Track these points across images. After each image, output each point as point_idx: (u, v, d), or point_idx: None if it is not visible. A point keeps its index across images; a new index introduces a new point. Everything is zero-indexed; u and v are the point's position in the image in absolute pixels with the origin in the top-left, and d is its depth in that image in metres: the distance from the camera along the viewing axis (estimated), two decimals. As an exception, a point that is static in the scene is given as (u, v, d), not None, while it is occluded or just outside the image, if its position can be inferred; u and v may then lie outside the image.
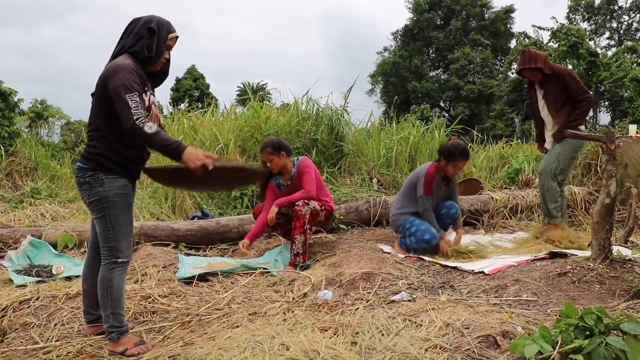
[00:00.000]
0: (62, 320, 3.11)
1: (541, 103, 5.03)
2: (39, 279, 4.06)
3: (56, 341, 2.83)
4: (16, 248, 4.75)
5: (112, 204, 2.65)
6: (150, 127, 2.53)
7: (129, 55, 2.66)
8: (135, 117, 2.49)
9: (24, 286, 3.83)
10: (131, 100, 2.51)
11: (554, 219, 4.90)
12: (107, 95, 2.58)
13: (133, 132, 2.53)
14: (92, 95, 2.72)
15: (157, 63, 2.75)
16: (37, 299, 3.43)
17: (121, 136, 2.64)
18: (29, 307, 3.31)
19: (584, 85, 4.86)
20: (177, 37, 2.80)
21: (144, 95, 2.63)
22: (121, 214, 2.68)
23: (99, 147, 2.65)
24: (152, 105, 2.76)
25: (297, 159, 4.66)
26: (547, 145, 5.06)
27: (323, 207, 4.58)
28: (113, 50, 2.73)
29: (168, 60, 2.84)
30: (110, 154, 2.65)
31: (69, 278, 4.13)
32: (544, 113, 5.03)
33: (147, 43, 2.68)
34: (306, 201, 4.42)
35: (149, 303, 3.40)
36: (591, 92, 5.00)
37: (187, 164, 2.57)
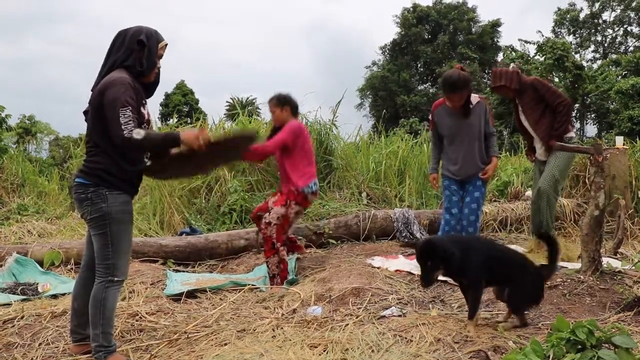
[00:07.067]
0: (47, 340, 3.05)
1: (522, 117, 4.92)
2: (24, 297, 3.99)
3: (40, 362, 2.77)
4: (1, 266, 4.68)
5: (114, 220, 2.60)
6: (138, 133, 2.50)
7: (124, 69, 2.64)
8: (123, 132, 2.47)
9: (8, 305, 3.76)
10: (122, 115, 2.48)
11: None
12: (103, 110, 2.55)
13: (126, 146, 2.51)
14: (85, 113, 2.69)
15: (151, 74, 2.75)
16: (22, 317, 3.37)
17: (123, 152, 2.62)
18: (13, 326, 3.24)
19: (556, 90, 4.76)
20: (166, 44, 2.80)
21: (142, 109, 2.64)
22: (122, 231, 2.64)
23: (102, 162, 2.60)
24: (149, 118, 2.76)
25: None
26: (538, 156, 4.92)
27: (288, 201, 4.28)
28: (103, 65, 2.69)
29: (159, 69, 2.83)
30: (114, 169, 2.60)
31: (55, 296, 4.05)
32: (528, 126, 4.91)
33: (138, 56, 2.66)
34: (267, 221, 4.24)
35: (137, 321, 3.34)
36: (576, 103, 4.89)
37: (187, 146, 2.60)
